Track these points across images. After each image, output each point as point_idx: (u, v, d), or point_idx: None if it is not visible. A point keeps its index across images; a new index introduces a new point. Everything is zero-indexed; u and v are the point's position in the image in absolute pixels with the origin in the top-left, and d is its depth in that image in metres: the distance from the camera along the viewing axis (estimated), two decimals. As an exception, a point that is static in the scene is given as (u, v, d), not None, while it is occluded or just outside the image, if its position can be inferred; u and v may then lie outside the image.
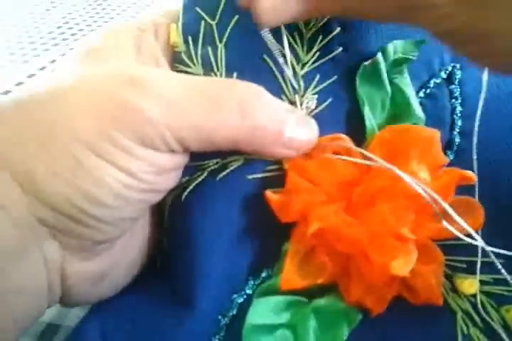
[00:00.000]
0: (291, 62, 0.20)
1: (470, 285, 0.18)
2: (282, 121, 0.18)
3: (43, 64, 0.48)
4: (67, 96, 0.17)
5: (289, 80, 0.20)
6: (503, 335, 0.18)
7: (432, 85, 0.21)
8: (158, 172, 0.17)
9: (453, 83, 0.21)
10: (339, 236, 0.18)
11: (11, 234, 0.16)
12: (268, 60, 0.20)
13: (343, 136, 0.19)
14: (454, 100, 0.21)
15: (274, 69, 0.20)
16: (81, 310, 0.25)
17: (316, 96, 0.20)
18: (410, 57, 0.20)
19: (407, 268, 0.17)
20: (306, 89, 0.20)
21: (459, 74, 0.21)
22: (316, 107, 0.20)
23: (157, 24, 0.23)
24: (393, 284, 0.18)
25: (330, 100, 0.20)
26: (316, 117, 0.20)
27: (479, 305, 0.18)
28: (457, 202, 0.18)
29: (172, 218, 0.21)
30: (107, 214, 0.17)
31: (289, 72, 0.20)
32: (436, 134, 0.19)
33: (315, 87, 0.20)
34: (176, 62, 0.21)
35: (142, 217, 0.20)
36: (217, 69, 0.20)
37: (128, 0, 0.61)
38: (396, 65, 0.20)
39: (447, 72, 0.21)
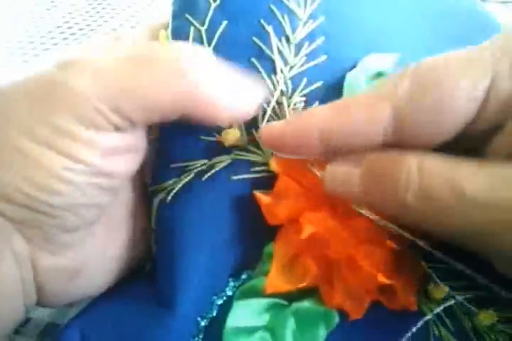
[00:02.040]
0: (279, 65, 0.20)
1: (442, 291, 0.19)
2: (225, 84, 0.17)
3: (43, 64, 0.48)
4: (8, 89, 0.17)
5: (277, 82, 0.20)
6: (473, 338, 0.18)
7: None
8: (104, 154, 0.17)
9: None
10: (328, 241, 0.19)
11: None
12: (256, 63, 0.20)
13: None
14: None
15: (262, 71, 0.20)
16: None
17: (304, 98, 0.20)
18: (386, 70, 0.20)
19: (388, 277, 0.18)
20: (293, 91, 0.20)
21: None
22: (304, 109, 0.20)
23: (135, 34, 0.23)
24: (374, 290, 0.19)
25: (316, 104, 0.20)
26: None
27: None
28: None
29: (159, 219, 0.21)
30: (59, 200, 0.17)
31: (278, 76, 0.20)
32: None
33: (302, 90, 0.20)
34: None
35: (115, 213, 0.21)
36: None
37: None
38: (375, 77, 0.20)
39: None
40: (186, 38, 0.21)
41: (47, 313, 0.26)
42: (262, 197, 0.19)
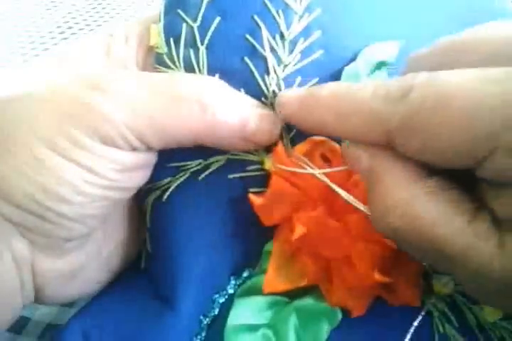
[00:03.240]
0: (272, 64, 0.20)
1: (445, 285, 0.19)
2: (243, 116, 0.18)
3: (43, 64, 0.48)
4: (29, 97, 0.18)
5: (270, 83, 0.20)
6: (478, 333, 0.18)
7: None
8: (121, 170, 0.18)
9: None
10: (323, 240, 0.19)
11: None
12: (249, 62, 0.20)
13: (324, 138, 0.19)
14: None
15: (255, 71, 0.20)
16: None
17: None
18: (388, 60, 0.20)
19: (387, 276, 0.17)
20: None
21: None
22: None
23: (128, 29, 0.23)
24: (374, 286, 0.19)
25: None
26: None
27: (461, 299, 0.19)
28: None
29: (153, 218, 0.21)
30: (70, 210, 0.17)
31: (270, 76, 0.20)
32: None
33: None
34: (157, 63, 0.21)
35: (113, 215, 0.21)
36: (200, 72, 0.20)
37: (128, -1, 0.61)
38: (376, 68, 0.20)
39: None
40: (178, 35, 0.21)
41: (47, 314, 0.26)
42: (256, 199, 0.19)
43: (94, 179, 0.17)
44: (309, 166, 0.18)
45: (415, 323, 0.18)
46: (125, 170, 0.18)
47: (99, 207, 0.18)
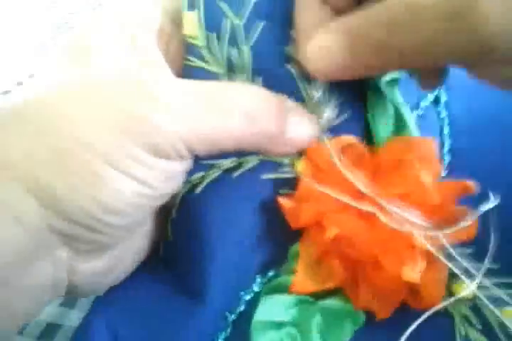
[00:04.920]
0: None
1: (466, 288, 0.19)
2: (284, 122, 0.19)
3: (43, 64, 0.48)
4: (82, 108, 0.17)
5: (312, 92, 0.20)
6: (501, 336, 0.18)
7: (422, 107, 0.22)
8: (168, 178, 0.18)
9: (439, 105, 0.22)
10: (353, 242, 0.19)
11: (23, 244, 0.16)
12: (293, 71, 0.20)
13: (356, 140, 0.20)
14: (441, 121, 0.22)
15: (298, 79, 0.20)
16: (81, 310, 0.26)
17: (336, 108, 0.20)
18: (398, 76, 0.21)
19: (418, 274, 0.18)
20: (327, 102, 0.20)
21: (444, 96, 0.22)
22: (336, 119, 0.20)
23: (146, 17, 0.22)
24: (401, 290, 0.19)
25: (348, 113, 0.20)
26: (334, 129, 0.20)
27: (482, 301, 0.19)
28: (456, 211, 0.19)
29: (182, 211, 0.21)
30: (120, 221, 0.17)
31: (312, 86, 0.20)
32: (432, 141, 0.20)
33: (336, 99, 0.20)
34: (193, 55, 0.21)
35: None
36: (243, 72, 0.21)
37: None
38: (388, 85, 0.21)
39: (433, 95, 0.22)
40: (220, 30, 0.21)
41: (47, 314, 0.26)
42: (284, 202, 0.20)
43: (144, 190, 0.17)
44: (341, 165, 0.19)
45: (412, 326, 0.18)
46: (171, 179, 0.18)
47: (142, 214, 0.18)
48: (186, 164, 0.19)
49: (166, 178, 0.18)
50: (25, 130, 0.17)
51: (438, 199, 0.19)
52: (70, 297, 0.26)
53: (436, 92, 0.22)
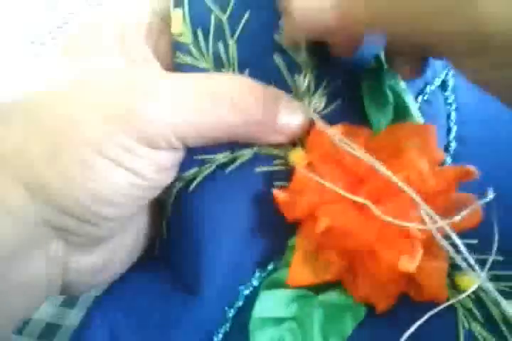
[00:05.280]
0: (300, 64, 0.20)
1: (470, 281, 0.19)
2: (274, 110, 0.19)
3: (43, 64, 0.48)
4: (75, 101, 0.18)
5: (299, 81, 0.20)
6: (504, 329, 0.18)
7: (428, 92, 0.22)
8: (160, 170, 0.18)
9: (446, 90, 0.22)
10: (347, 233, 0.19)
11: (16, 237, 0.16)
12: (279, 61, 0.20)
13: (350, 125, 0.20)
14: (448, 106, 0.22)
15: (284, 70, 0.20)
16: (81, 310, 0.26)
17: (325, 97, 0.20)
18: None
19: (415, 264, 0.17)
20: (315, 90, 0.20)
21: (451, 81, 0.22)
22: (325, 108, 0.20)
23: (140, 18, 0.23)
24: (400, 281, 0.19)
25: (338, 102, 0.20)
26: (324, 118, 0.20)
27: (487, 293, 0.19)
28: (457, 198, 0.19)
29: (177, 207, 0.21)
30: (112, 212, 0.17)
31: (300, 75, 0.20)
32: (432, 128, 0.19)
33: (324, 88, 0.20)
34: (181, 52, 0.21)
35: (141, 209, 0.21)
36: (230, 67, 0.21)
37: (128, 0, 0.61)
38: (391, 71, 0.20)
39: (440, 79, 0.22)
40: (206, 26, 0.21)
41: (47, 314, 0.26)
42: (279, 194, 0.20)
43: (137, 181, 0.17)
44: (346, 144, 0.19)
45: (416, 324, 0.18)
46: (163, 170, 0.18)
47: (135, 206, 0.19)
48: (178, 155, 0.19)
49: (158, 169, 0.18)
50: (16, 124, 0.17)
51: (434, 184, 0.18)
52: (70, 297, 0.26)
53: (443, 77, 0.22)
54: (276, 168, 0.20)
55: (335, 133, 0.19)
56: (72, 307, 0.26)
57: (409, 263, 0.17)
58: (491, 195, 0.18)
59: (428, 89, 0.22)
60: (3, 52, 0.50)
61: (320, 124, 0.19)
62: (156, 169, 0.18)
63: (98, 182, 0.17)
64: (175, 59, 0.22)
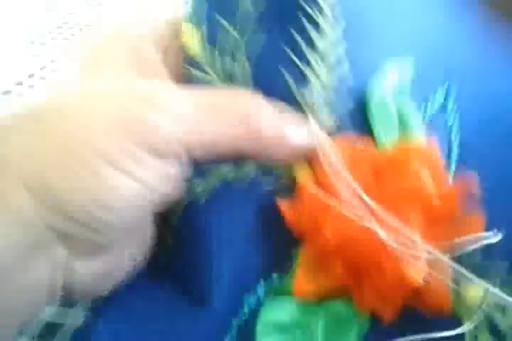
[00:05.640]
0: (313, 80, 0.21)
1: (475, 291, 0.19)
2: (282, 128, 0.19)
3: (43, 64, 0.48)
4: (85, 109, 0.18)
5: (308, 100, 0.20)
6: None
7: (429, 109, 0.22)
8: (166, 180, 0.18)
9: (446, 111, 0.22)
10: (352, 243, 0.19)
11: (20, 241, 0.16)
12: (288, 79, 0.21)
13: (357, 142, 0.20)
14: (449, 128, 0.22)
15: (294, 86, 0.21)
16: (81, 309, 0.25)
17: (333, 115, 0.21)
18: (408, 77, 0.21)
19: (421, 276, 0.17)
20: (323, 108, 0.21)
21: (451, 103, 0.22)
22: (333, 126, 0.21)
23: (158, 32, 0.23)
24: (405, 293, 0.19)
25: (347, 121, 0.21)
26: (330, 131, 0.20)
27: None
28: (463, 219, 0.19)
29: (183, 219, 0.22)
30: (118, 220, 0.18)
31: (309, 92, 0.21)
32: (435, 148, 0.20)
33: (332, 107, 0.21)
34: (191, 65, 0.22)
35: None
36: (241, 82, 0.21)
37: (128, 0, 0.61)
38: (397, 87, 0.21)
39: (440, 101, 0.22)
40: (220, 43, 0.21)
41: (47, 313, 0.26)
42: (284, 205, 0.20)
43: (144, 191, 0.17)
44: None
45: None
46: (171, 181, 0.19)
47: (141, 216, 0.19)
48: (184, 167, 0.19)
49: (164, 179, 0.18)
50: (25, 130, 0.17)
51: (438, 201, 0.18)
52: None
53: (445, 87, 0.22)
54: (281, 181, 0.21)
55: (334, 160, 0.19)
56: (72, 307, 0.26)
57: (416, 277, 0.17)
58: (495, 239, 0.18)
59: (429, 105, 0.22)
60: (3, 52, 0.50)
61: (322, 148, 0.19)
62: (162, 179, 0.18)
63: (105, 191, 0.17)
64: (184, 71, 0.22)
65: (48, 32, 0.54)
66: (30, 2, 0.60)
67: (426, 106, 0.22)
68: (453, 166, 0.21)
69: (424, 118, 0.21)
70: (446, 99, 0.22)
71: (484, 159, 0.21)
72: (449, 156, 0.21)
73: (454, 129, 0.22)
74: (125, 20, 0.56)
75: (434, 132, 0.21)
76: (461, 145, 0.21)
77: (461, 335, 0.19)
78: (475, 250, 0.19)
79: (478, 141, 0.21)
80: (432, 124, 0.21)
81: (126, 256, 0.21)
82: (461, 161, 0.21)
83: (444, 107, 0.22)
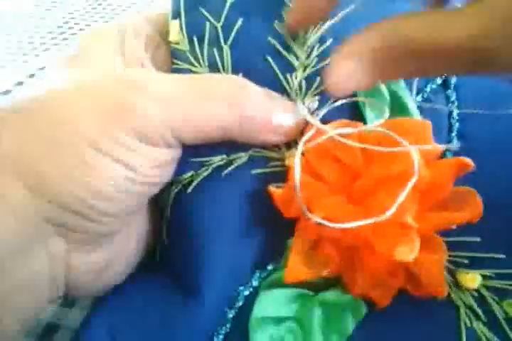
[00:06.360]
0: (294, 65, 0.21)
1: (472, 279, 0.19)
2: (269, 109, 0.19)
3: (43, 64, 0.48)
4: (70, 97, 0.18)
5: (292, 82, 0.21)
6: (507, 328, 0.18)
7: (428, 90, 0.22)
8: (157, 166, 0.19)
9: (448, 88, 0.22)
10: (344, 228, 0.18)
11: (16, 233, 0.16)
12: (271, 63, 0.21)
13: (348, 121, 0.20)
14: (450, 104, 0.22)
15: (277, 71, 0.21)
16: (81, 309, 0.25)
17: (318, 97, 0.21)
18: None
19: (411, 254, 0.17)
20: (307, 90, 0.21)
21: (454, 79, 0.22)
22: (319, 107, 0.21)
23: (137, 26, 0.24)
24: (398, 275, 0.19)
25: (331, 102, 0.21)
26: (318, 116, 0.20)
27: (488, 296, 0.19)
28: (457, 192, 0.19)
29: (175, 210, 0.22)
30: (111, 207, 0.18)
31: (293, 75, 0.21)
32: (427, 124, 0.19)
33: (316, 89, 0.21)
34: (179, 59, 0.22)
35: (140, 208, 0.21)
36: (224, 70, 0.21)
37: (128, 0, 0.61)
38: None
39: (442, 77, 0.22)
40: (202, 34, 0.22)
41: (47, 313, 0.26)
42: (275, 191, 0.20)
43: (134, 176, 0.18)
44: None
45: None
46: (159, 166, 0.19)
47: (134, 203, 0.19)
48: (175, 152, 0.19)
49: (155, 166, 0.18)
50: (16, 122, 0.17)
51: (429, 176, 0.18)
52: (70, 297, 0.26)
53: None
54: (272, 170, 0.21)
55: (329, 128, 0.19)
56: (72, 307, 0.26)
57: (405, 254, 0.17)
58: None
59: (429, 87, 0.22)
60: (2, 52, 0.50)
61: (314, 121, 0.19)
62: (153, 165, 0.18)
63: (96, 178, 0.17)
64: (173, 65, 0.23)
65: (48, 32, 0.54)
66: (30, 2, 0.60)
67: (426, 83, 0.22)
68: (454, 142, 0.21)
69: (423, 93, 0.22)
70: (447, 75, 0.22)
71: (483, 135, 0.21)
72: (449, 132, 0.21)
73: (455, 104, 0.22)
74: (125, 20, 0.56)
75: (434, 109, 0.21)
76: (460, 120, 0.22)
77: (456, 319, 0.19)
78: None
79: (477, 116, 0.21)
80: (433, 100, 0.21)
81: (124, 250, 0.21)
82: (461, 136, 0.21)
83: (446, 82, 0.22)
